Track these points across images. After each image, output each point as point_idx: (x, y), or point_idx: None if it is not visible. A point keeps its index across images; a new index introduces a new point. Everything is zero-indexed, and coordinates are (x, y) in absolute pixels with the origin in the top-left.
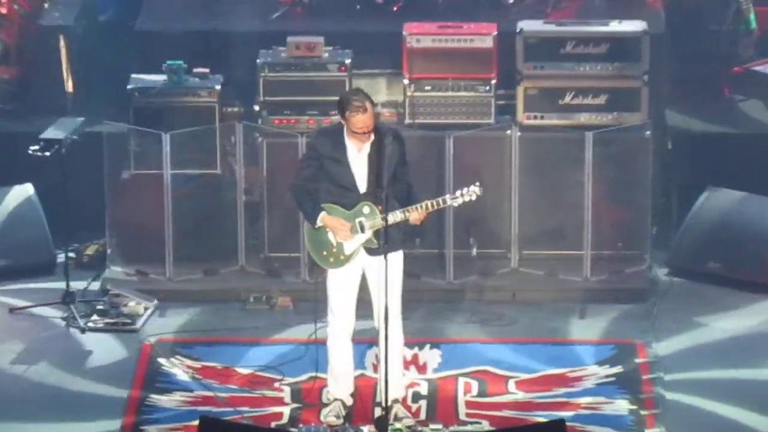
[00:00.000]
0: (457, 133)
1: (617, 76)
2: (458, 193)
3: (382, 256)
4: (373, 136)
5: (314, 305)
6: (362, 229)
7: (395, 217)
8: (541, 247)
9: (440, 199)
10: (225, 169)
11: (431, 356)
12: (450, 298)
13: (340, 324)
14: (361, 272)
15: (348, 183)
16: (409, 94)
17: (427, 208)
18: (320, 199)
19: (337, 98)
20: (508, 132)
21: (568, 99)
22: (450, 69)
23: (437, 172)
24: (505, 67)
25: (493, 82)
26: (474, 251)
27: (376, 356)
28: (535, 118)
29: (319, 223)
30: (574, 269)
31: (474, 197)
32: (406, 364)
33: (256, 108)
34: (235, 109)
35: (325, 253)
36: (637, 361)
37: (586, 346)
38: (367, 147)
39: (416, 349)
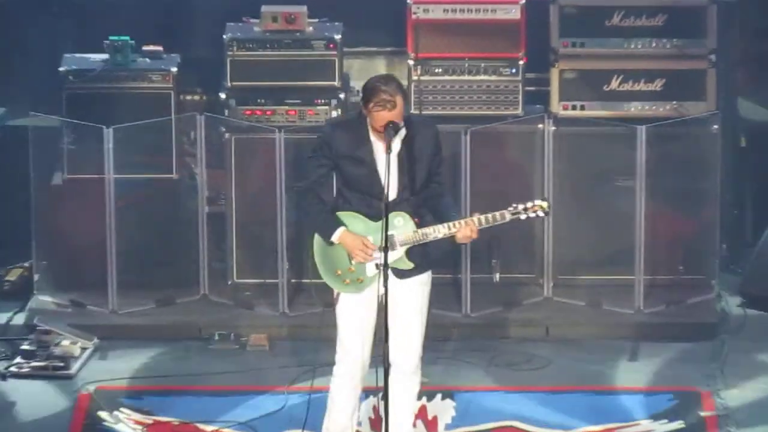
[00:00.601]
0: (476, 127)
1: (677, 56)
2: (520, 207)
3: (413, 279)
4: (404, 130)
5: (323, 342)
6: (392, 246)
7: (437, 232)
8: (580, 271)
9: (497, 214)
10: (183, 172)
11: (443, 409)
12: (467, 334)
13: (351, 364)
14: (377, 300)
15: (374, 189)
16: (414, 78)
17: (480, 223)
18: (337, 208)
19: (324, 84)
20: (540, 126)
21: (614, 84)
22: (466, 47)
23: (451, 176)
24: (535, 44)
25: (521, 63)
26: (497, 276)
27: (374, 408)
28: (574, 108)
29: (335, 239)
30: (622, 298)
31: (541, 214)
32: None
33: (222, 96)
34: (196, 98)
35: (339, 272)
36: (702, 414)
37: (638, 396)
38: (397, 143)
39: (424, 400)
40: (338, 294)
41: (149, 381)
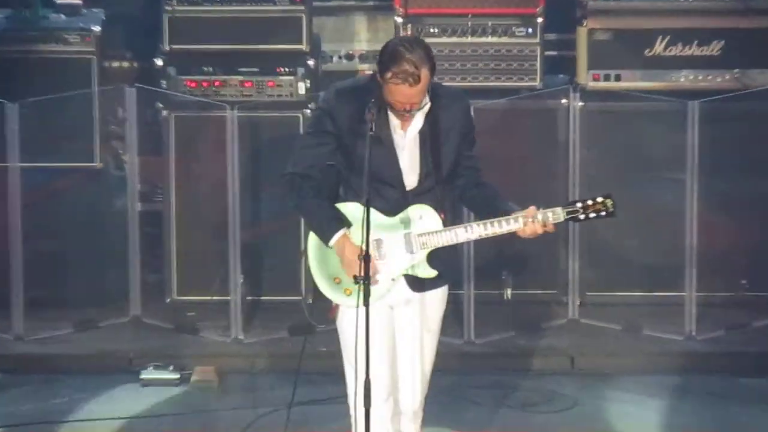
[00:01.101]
0: (483, 102)
1: (740, 12)
2: (578, 204)
3: (433, 292)
4: (428, 103)
5: (295, 375)
6: (409, 248)
7: (473, 230)
8: (615, 287)
9: (549, 212)
10: (108, 160)
11: None
12: (471, 366)
13: (377, 386)
14: (390, 313)
15: (389, 175)
16: None
17: (538, 222)
18: (340, 199)
19: (288, 47)
20: (564, 101)
21: (658, 48)
22: (469, 0)
23: None
24: None
25: (539, 21)
26: (508, 293)
27: None
28: (606, 78)
29: (332, 243)
30: (668, 322)
31: (603, 214)
32: None
33: (159, 63)
34: (125, 64)
35: (338, 280)
36: None
37: None
38: (418, 120)
39: None
40: (336, 306)
41: (64, 425)
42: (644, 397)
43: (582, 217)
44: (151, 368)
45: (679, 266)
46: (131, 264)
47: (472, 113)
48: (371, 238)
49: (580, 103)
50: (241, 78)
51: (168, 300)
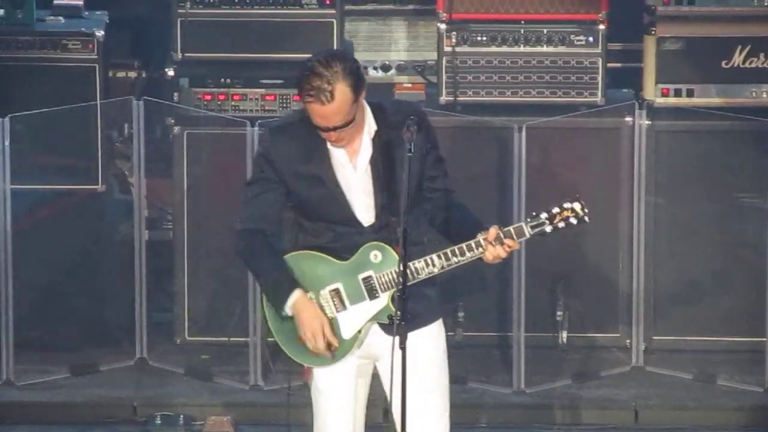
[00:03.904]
0: (535, 121)
1: None
2: (543, 215)
3: (420, 332)
4: (374, 126)
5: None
6: (371, 293)
7: (434, 264)
8: (686, 330)
9: (512, 229)
10: (112, 182)
11: None
12: (521, 419)
13: None
14: (372, 368)
15: (340, 216)
16: (447, 49)
17: (501, 241)
18: (295, 243)
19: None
20: (628, 119)
21: (737, 59)
22: (522, 4)
23: (498, 186)
24: (622, 1)
25: (602, 28)
26: (564, 336)
27: None
28: (678, 94)
29: (288, 311)
30: (747, 370)
31: (574, 221)
32: None
33: (170, 73)
34: (131, 74)
35: (302, 340)
36: None
37: None
38: (366, 148)
39: None
40: (308, 368)
41: None
42: None
43: (549, 229)
44: (158, 419)
45: (760, 308)
46: (137, 300)
47: (429, 124)
48: (326, 289)
49: (647, 122)
50: (262, 91)
51: (178, 341)
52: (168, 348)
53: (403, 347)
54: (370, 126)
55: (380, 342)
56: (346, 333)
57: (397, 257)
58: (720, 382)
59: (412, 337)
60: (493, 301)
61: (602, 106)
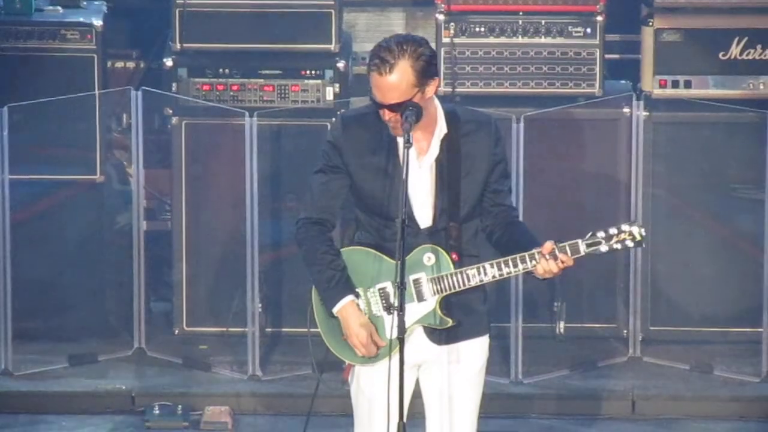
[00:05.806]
0: (534, 112)
1: None
2: (600, 234)
3: (461, 344)
4: (445, 129)
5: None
6: (419, 295)
7: (486, 272)
8: (682, 321)
9: (567, 246)
10: (110, 172)
11: None
12: (519, 409)
13: None
14: (415, 373)
15: (398, 211)
16: (446, 40)
17: (555, 256)
18: (351, 239)
19: (315, 47)
20: (626, 110)
21: (735, 50)
22: None
23: None
24: None
25: (600, 19)
26: (561, 326)
27: None
28: (675, 85)
29: (336, 311)
30: (743, 361)
31: (630, 244)
32: None
33: (168, 63)
34: (130, 65)
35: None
36: None
37: None
38: (434, 148)
39: None
40: (349, 365)
41: None
42: None
43: (605, 249)
44: (157, 409)
45: (757, 298)
46: (135, 290)
47: (501, 139)
48: (375, 287)
49: (645, 113)
50: (261, 81)
51: (176, 331)
52: (166, 338)
53: (401, 338)
54: (441, 128)
55: (423, 348)
56: (390, 337)
57: (450, 262)
58: (717, 373)
59: (454, 348)
60: (491, 291)
61: (600, 97)
